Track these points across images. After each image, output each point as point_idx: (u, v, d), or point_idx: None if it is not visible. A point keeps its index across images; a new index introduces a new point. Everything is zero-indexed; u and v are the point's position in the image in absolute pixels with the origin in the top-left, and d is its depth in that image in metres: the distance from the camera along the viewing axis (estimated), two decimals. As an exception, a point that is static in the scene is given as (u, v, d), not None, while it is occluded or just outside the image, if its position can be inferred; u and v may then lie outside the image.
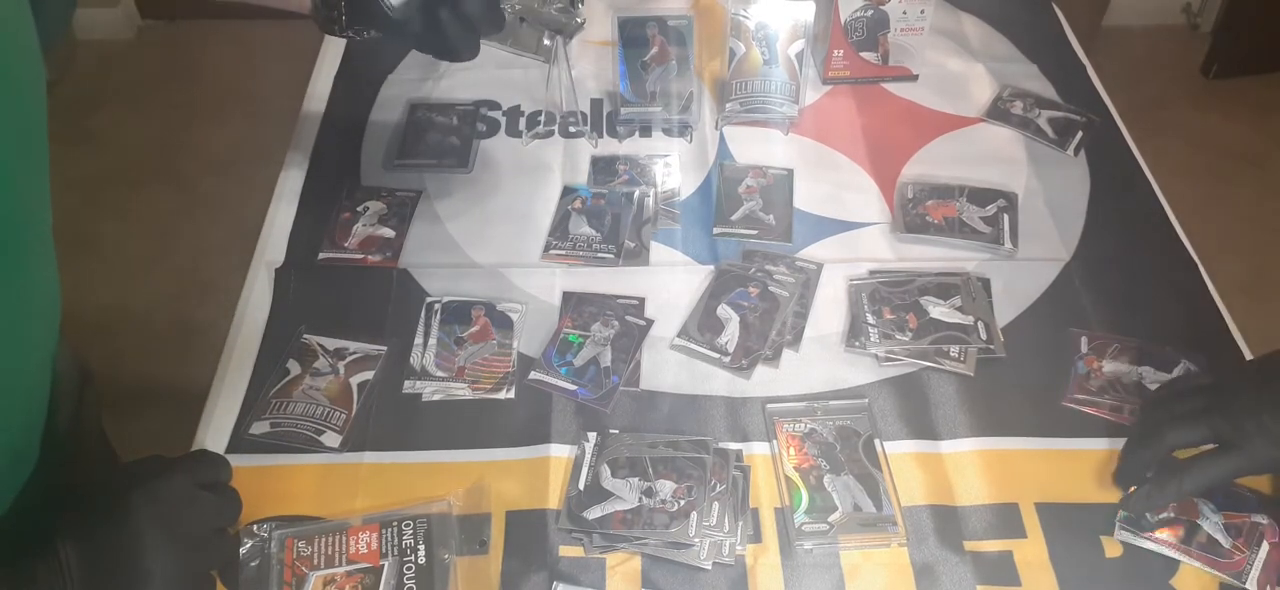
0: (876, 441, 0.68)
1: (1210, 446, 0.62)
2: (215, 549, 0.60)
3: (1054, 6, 1.15)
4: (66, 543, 0.52)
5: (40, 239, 0.55)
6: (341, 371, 0.73)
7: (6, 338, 0.53)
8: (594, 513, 0.64)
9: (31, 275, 0.55)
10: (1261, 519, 0.64)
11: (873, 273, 0.81)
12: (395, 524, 0.62)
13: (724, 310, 0.77)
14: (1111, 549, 0.64)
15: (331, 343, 0.75)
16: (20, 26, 0.50)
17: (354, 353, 0.74)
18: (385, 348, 0.74)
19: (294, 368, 0.73)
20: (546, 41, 0.87)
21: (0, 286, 0.51)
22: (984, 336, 0.75)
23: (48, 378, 0.61)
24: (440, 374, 0.73)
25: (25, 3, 0.50)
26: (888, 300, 0.78)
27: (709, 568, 0.62)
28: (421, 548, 0.61)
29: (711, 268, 0.82)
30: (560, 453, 0.68)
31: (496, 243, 0.84)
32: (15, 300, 0.53)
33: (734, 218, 0.86)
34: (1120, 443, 0.69)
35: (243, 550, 0.61)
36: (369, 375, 0.73)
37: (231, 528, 0.62)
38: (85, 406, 0.69)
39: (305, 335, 0.75)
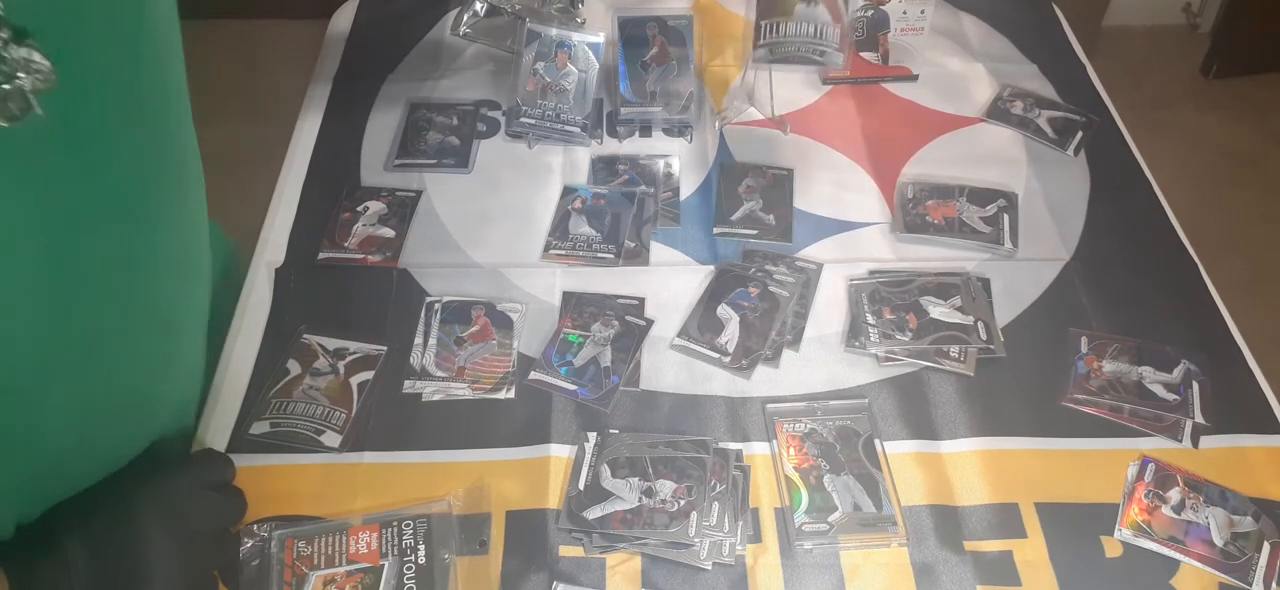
0: (876, 441, 0.68)
1: None
2: (218, 548, 0.60)
3: (1054, 6, 1.15)
4: (71, 542, 0.52)
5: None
6: (341, 371, 0.73)
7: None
8: (594, 513, 0.64)
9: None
10: (1262, 522, 0.64)
11: (873, 273, 0.81)
12: (395, 524, 0.62)
13: (724, 310, 0.77)
14: (1111, 549, 0.64)
15: (331, 343, 0.75)
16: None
17: (354, 353, 0.74)
18: (385, 348, 0.74)
19: (294, 368, 0.73)
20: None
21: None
22: (984, 336, 0.75)
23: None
24: (440, 374, 0.73)
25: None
26: (888, 300, 0.78)
27: (709, 568, 0.62)
28: (421, 548, 0.61)
29: (711, 268, 0.82)
30: (560, 453, 0.68)
31: (496, 243, 0.84)
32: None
33: (734, 218, 0.86)
34: (1120, 443, 0.69)
35: (243, 550, 0.61)
36: (369, 375, 0.72)
37: (235, 527, 0.62)
38: None
39: (305, 335, 0.75)
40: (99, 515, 0.54)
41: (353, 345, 0.74)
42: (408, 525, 0.62)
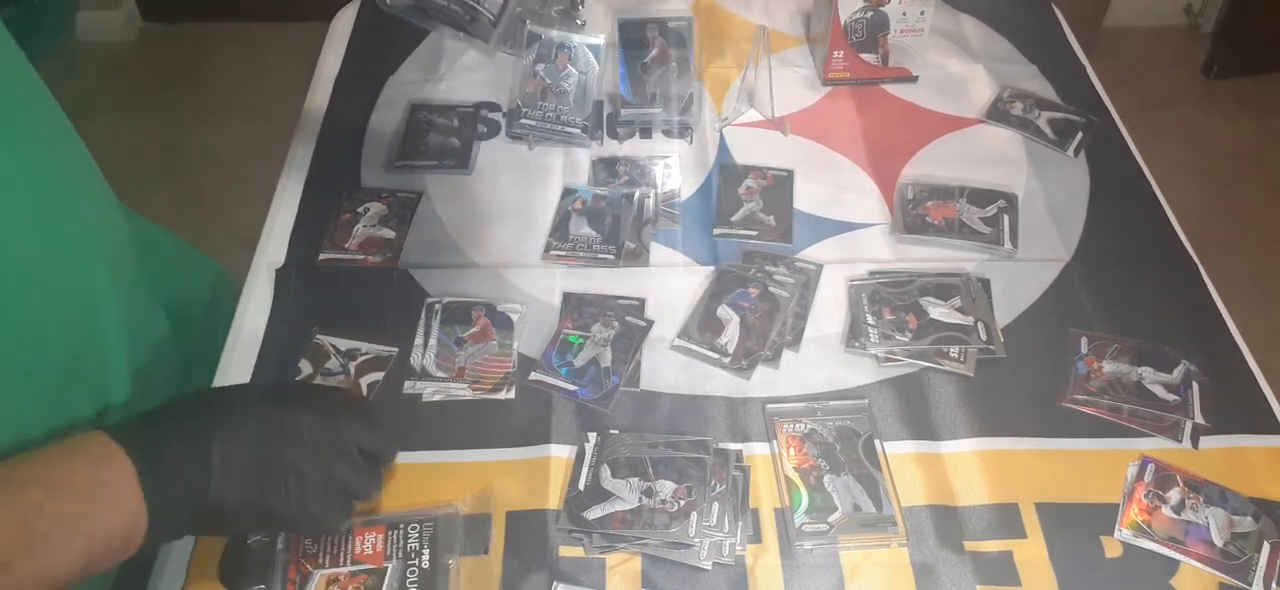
0: (876, 442, 0.69)
1: None
2: (363, 475, 0.59)
3: (1054, 7, 1.15)
4: (217, 437, 0.53)
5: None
6: (352, 372, 0.73)
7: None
8: (594, 513, 0.64)
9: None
10: (1262, 522, 0.64)
11: (873, 273, 0.81)
12: (401, 526, 0.62)
13: (724, 311, 0.77)
14: (1111, 549, 0.64)
15: (344, 344, 0.75)
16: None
17: (365, 354, 0.74)
18: (396, 349, 0.74)
19: (306, 368, 0.73)
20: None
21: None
22: (984, 337, 0.75)
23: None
24: (440, 374, 0.73)
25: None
26: (888, 301, 0.78)
27: (709, 568, 0.62)
28: (426, 552, 0.61)
29: (712, 268, 0.82)
30: (560, 453, 0.68)
31: (496, 243, 0.84)
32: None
33: (734, 219, 0.86)
34: (1120, 443, 0.69)
35: (246, 547, 0.61)
36: (379, 376, 0.73)
37: (386, 465, 0.63)
38: None
39: (318, 335, 0.75)
40: (251, 417, 0.55)
41: (364, 346, 0.74)
42: (413, 528, 0.62)
